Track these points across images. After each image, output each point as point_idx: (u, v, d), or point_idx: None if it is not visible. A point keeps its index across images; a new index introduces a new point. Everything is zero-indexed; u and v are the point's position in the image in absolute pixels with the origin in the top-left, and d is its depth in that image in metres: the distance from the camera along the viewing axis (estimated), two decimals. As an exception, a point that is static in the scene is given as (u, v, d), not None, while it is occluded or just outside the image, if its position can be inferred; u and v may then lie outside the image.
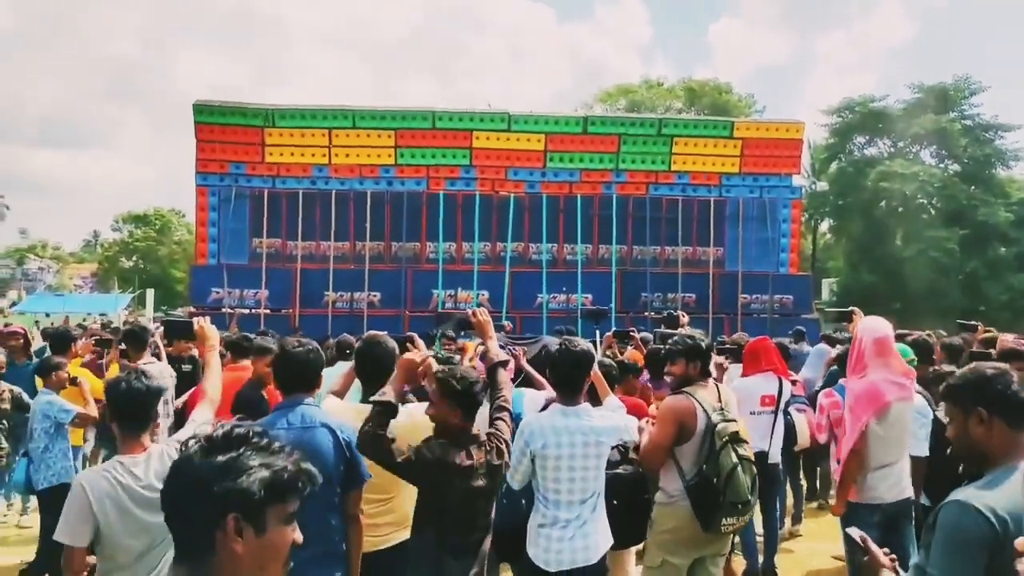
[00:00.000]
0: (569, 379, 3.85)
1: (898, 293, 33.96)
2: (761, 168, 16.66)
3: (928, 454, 4.74)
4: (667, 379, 5.03)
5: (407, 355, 3.63)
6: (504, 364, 3.74)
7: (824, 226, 43.48)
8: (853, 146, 40.74)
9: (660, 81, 47.04)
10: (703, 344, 4.26)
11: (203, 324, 3.74)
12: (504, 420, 3.47)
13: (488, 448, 3.30)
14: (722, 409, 4.07)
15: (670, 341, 4.48)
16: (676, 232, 16.37)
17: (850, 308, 5.15)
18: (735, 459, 3.91)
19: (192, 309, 15.58)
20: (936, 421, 4.69)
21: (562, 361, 3.85)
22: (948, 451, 4.39)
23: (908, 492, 4.49)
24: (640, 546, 4.64)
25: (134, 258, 58.74)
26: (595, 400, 4.46)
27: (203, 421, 3.22)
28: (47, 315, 30.77)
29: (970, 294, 33.79)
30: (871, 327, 4.55)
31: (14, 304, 45.51)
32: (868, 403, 4.31)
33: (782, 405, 5.95)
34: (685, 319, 7.00)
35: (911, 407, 4.50)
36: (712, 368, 4.45)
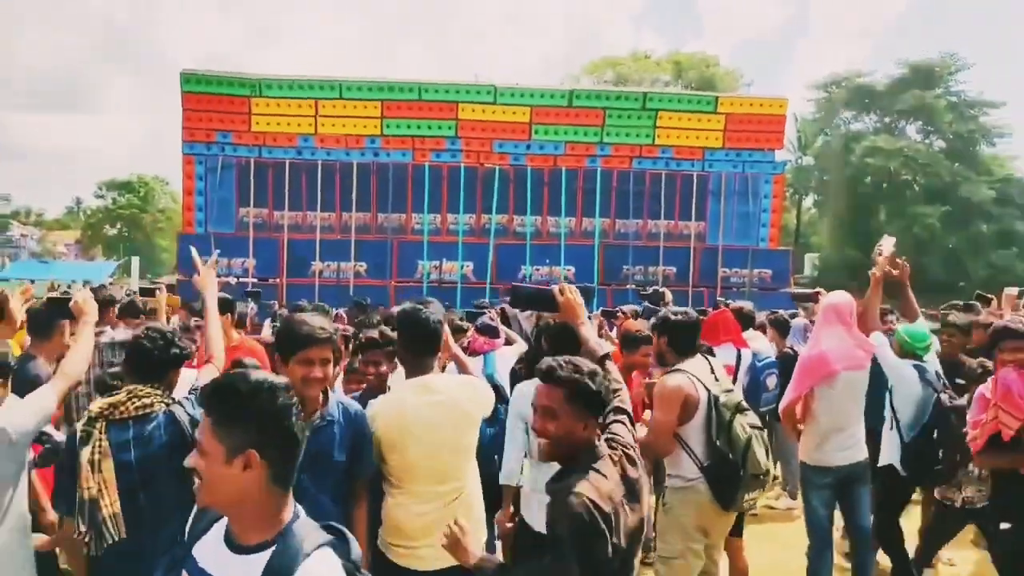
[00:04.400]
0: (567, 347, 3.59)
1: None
2: (744, 143, 16.82)
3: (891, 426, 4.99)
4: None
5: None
6: (608, 356, 3.12)
7: (808, 201, 43.77)
8: (839, 121, 40.95)
9: (647, 54, 46.96)
10: (675, 319, 4.07)
11: (78, 300, 3.54)
12: (624, 423, 2.79)
13: (614, 460, 2.54)
14: (717, 380, 3.91)
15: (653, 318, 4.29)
16: (659, 206, 16.56)
17: (815, 289, 5.42)
18: (748, 430, 3.72)
19: (181, 277, 15.70)
20: (937, 401, 4.84)
21: (560, 332, 3.70)
22: (935, 433, 4.71)
23: (860, 456, 4.75)
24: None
25: (118, 225, 58.48)
26: None
27: (40, 400, 3.02)
28: (32, 282, 30.62)
29: (952, 270, 34.25)
30: (830, 300, 4.79)
31: (-3, 270, 45.23)
32: (811, 372, 4.57)
33: (741, 375, 5.96)
34: (669, 295, 7.18)
35: (863, 376, 4.74)
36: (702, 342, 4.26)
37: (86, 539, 2.89)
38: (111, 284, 30.84)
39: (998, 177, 36.32)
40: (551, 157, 16.45)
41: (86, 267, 42.97)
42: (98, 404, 3.02)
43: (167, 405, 3.06)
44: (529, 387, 3.61)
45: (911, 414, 4.86)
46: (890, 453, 4.99)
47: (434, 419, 3.13)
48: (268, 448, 1.74)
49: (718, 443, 3.72)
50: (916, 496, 6.38)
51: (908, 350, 5.04)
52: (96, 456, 2.89)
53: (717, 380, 3.93)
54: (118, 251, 52.62)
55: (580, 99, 16.73)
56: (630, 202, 16.47)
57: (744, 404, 3.87)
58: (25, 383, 3.55)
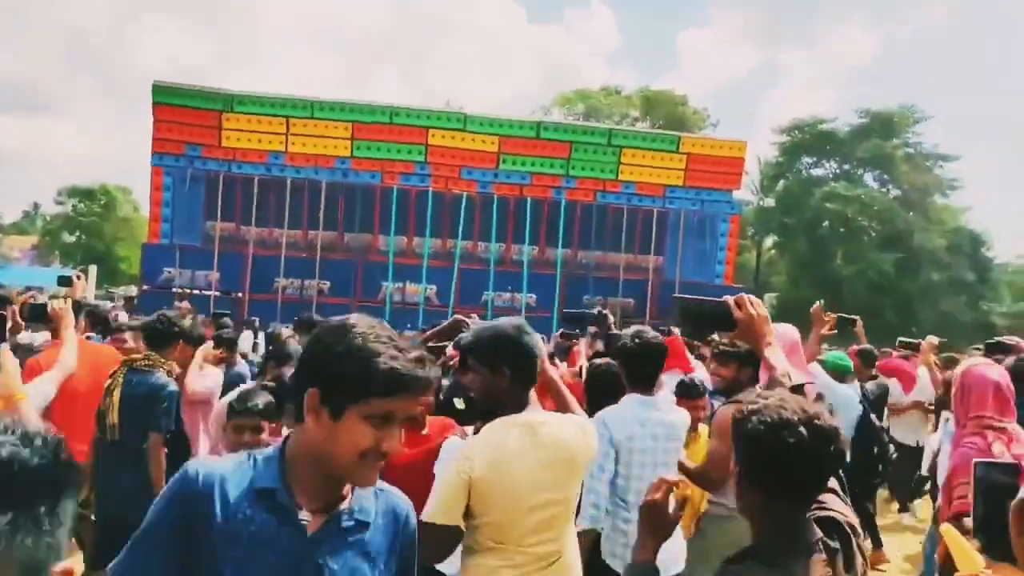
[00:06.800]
0: (646, 370, 3.63)
1: (834, 310, 34.99)
2: (704, 183, 17.33)
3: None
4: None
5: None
6: (803, 388, 2.24)
7: (769, 242, 44.63)
8: (801, 165, 41.97)
9: (618, 89, 47.82)
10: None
11: (56, 307, 3.85)
12: (836, 492, 1.94)
13: (830, 555, 1.72)
14: None
15: (720, 344, 4.16)
16: (620, 239, 16.97)
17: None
18: None
19: (144, 287, 15.71)
20: (869, 420, 5.36)
21: (639, 352, 3.61)
22: (875, 449, 5.12)
23: None
24: None
25: (77, 233, 57.59)
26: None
27: (43, 385, 3.41)
28: (-10, 286, 30.15)
29: (903, 315, 35.13)
30: (781, 333, 5.11)
31: (-51, 274, 44.30)
32: None
33: None
34: (612, 319, 7.36)
35: None
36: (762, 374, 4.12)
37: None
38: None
39: (950, 227, 37.57)
40: (517, 186, 16.80)
41: (39, 272, 42.15)
42: (129, 357, 4.61)
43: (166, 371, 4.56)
44: (620, 411, 3.50)
45: (850, 431, 5.33)
46: None
47: (538, 466, 2.55)
48: None
49: None
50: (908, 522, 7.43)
51: (841, 372, 5.58)
52: (113, 385, 4.41)
53: None
54: (75, 259, 51.80)
55: (548, 131, 17.14)
56: (592, 234, 16.86)
57: None
58: None
